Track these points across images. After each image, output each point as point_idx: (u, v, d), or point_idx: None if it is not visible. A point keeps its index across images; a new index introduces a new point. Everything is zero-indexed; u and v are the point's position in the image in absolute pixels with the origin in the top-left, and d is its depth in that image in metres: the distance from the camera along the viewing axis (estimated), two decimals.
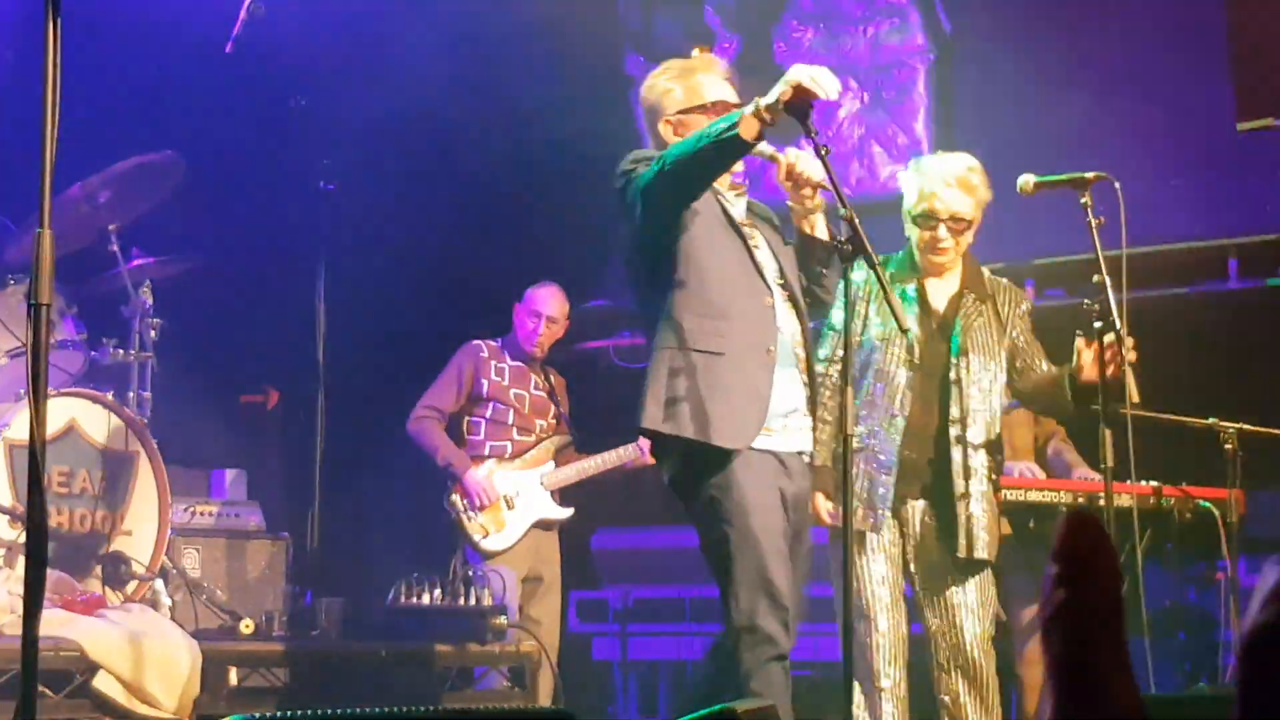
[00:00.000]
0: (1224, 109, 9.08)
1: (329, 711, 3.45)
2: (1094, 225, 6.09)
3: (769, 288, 5.50)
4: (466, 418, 8.53)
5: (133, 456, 7.52)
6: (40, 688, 5.71)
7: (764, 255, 5.59)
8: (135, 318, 7.97)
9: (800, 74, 5.04)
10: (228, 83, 8.96)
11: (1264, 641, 1.76)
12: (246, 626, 7.22)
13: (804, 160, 5.49)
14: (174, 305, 8.24)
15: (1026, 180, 6.33)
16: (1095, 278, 6.03)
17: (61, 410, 7.30)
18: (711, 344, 5.33)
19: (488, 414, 8.50)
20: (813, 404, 5.64)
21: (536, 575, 8.47)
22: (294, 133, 8.39)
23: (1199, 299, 9.29)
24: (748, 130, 5.07)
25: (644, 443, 7.75)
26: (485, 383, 8.50)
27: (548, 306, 8.64)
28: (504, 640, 7.43)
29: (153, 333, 7.98)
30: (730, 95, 5.59)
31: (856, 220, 5.17)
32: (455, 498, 8.31)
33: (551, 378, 8.80)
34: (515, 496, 8.37)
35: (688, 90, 5.61)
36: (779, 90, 5.04)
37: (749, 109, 5.08)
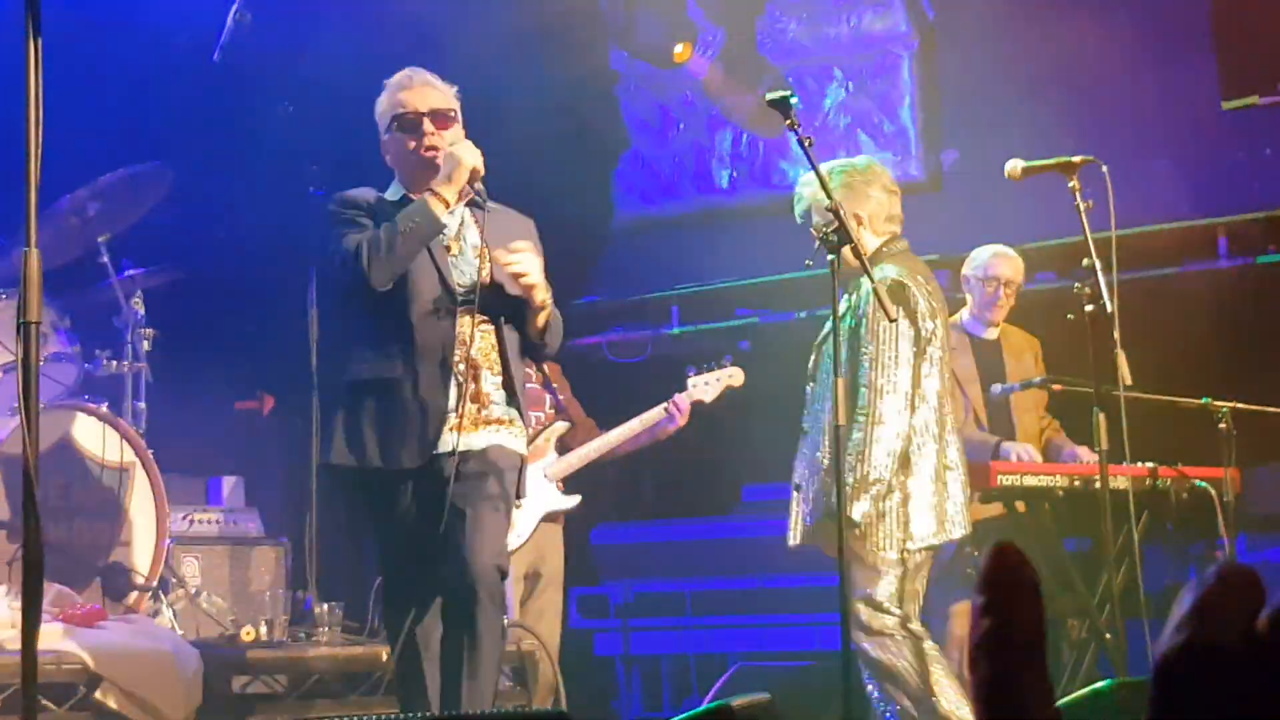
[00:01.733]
0: (1209, 88, 9.09)
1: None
2: (1083, 208, 6.11)
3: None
4: None
5: (129, 467, 7.53)
6: (42, 701, 5.73)
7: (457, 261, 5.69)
8: (128, 328, 7.98)
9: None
10: (214, 91, 8.96)
11: (1176, 666, 1.82)
12: (247, 634, 7.23)
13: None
14: (166, 315, 8.24)
15: (1014, 165, 6.34)
16: (1085, 260, 6.06)
17: (57, 423, 7.30)
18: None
19: None
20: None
21: (535, 571, 8.44)
22: (281, 139, 8.39)
23: (1190, 279, 9.30)
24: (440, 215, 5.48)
25: (678, 404, 7.81)
26: None
27: None
28: (504, 640, 7.43)
29: (146, 343, 7.99)
30: (424, 101, 5.72)
31: (842, 211, 5.19)
32: None
33: (545, 366, 8.75)
34: (521, 496, 8.32)
35: (382, 108, 5.83)
36: (460, 179, 5.45)
37: (434, 194, 5.46)
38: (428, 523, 5.48)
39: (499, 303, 5.58)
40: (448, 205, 5.41)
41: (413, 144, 5.62)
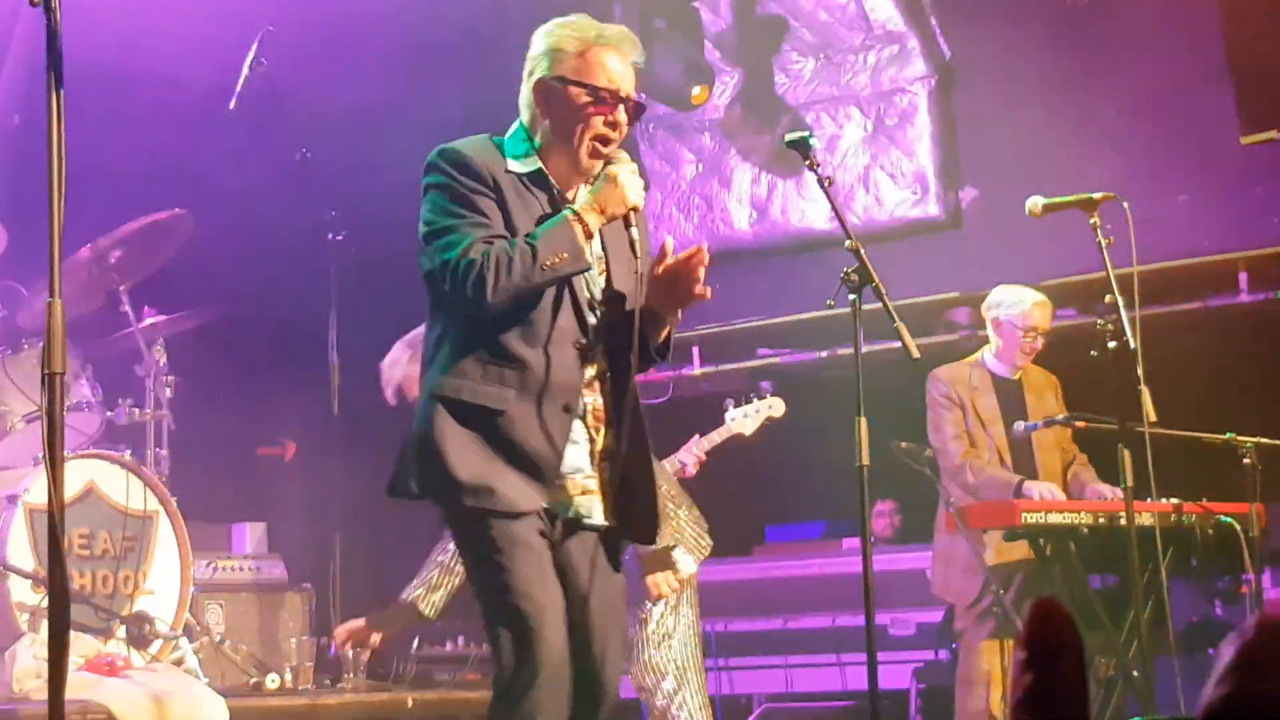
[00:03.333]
0: (1227, 123, 9.08)
1: None
2: (1104, 244, 6.10)
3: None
4: None
5: (152, 515, 7.53)
6: None
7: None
8: (149, 376, 7.99)
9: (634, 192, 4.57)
10: (232, 138, 8.98)
11: (1220, 717, 1.82)
12: (272, 681, 7.22)
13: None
14: (187, 362, 8.26)
15: (1035, 203, 6.34)
16: (1107, 296, 6.04)
17: (80, 472, 7.31)
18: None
19: None
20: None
21: None
22: (301, 185, 8.42)
23: (1211, 313, 9.29)
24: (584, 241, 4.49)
25: (690, 452, 7.66)
26: None
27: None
28: None
29: (168, 390, 8.00)
30: (626, 86, 4.63)
31: (862, 250, 5.17)
32: None
33: None
34: None
35: (580, 59, 4.63)
36: (616, 211, 4.54)
37: (580, 222, 4.48)
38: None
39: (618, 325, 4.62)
40: (590, 238, 4.48)
41: (599, 123, 4.59)
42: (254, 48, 8.02)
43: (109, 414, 7.90)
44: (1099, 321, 6.13)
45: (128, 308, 8.02)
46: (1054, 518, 7.10)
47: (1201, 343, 8.75)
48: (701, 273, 4.60)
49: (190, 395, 8.22)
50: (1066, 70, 9.57)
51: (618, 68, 4.62)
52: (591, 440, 4.57)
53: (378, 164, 9.55)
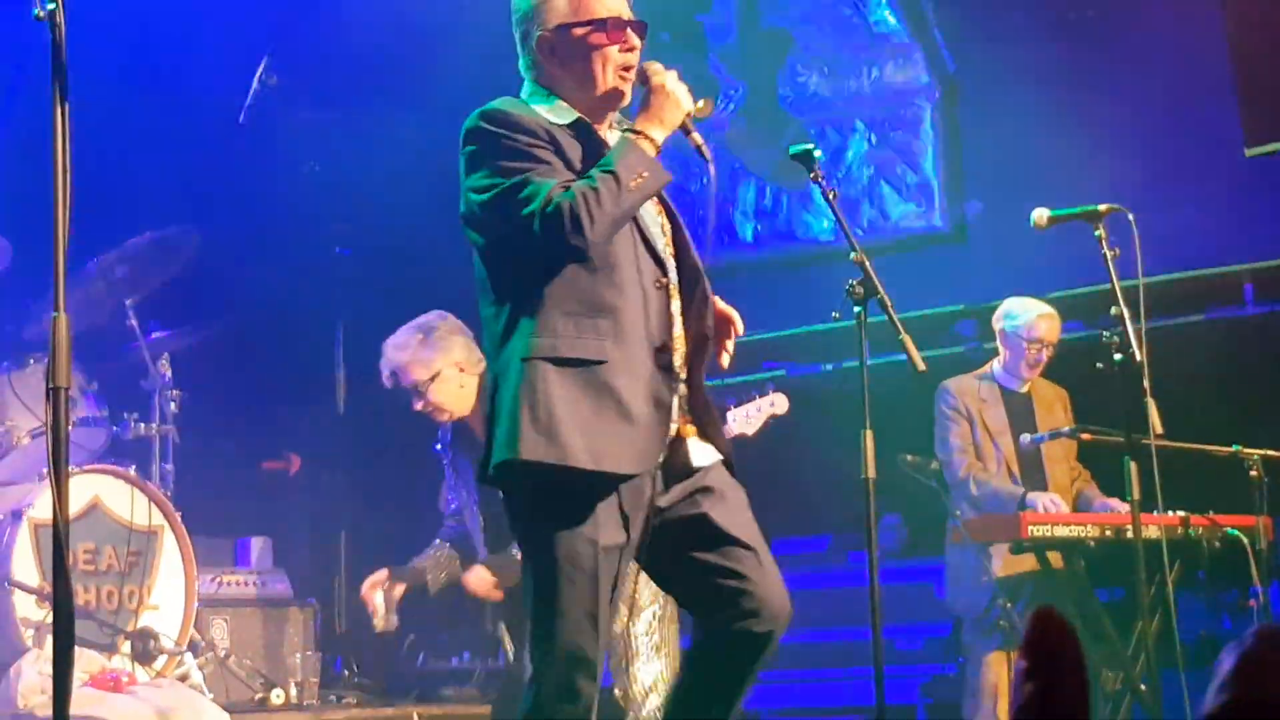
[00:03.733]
0: (1232, 135, 9.07)
1: None
2: (1109, 257, 6.09)
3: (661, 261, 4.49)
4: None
5: (158, 530, 7.53)
6: None
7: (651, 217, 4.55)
8: (155, 391, 7.99)
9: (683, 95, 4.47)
10: (240, 152, 8.99)
11: None
12: (277, 697, 7.21)
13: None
14: (193, 376, 8.26)
15: (1040, 214, 6.33)
16: (1113, 309, 6.03)
17: (85, 487, 7.31)
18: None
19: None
20: None
21: None
22: (307, 199, 8.42)
23: (1217, 326, 9.28)
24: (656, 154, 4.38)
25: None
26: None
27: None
28: None
29: (173, 405, 8.00)
30: (625, 10, 4.51)
31: (867, 263, 5.16)
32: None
33: None
34: None
35: (570, 3, 4.47)
36: (673, 120, 4.44)
37: (646, 138, 4.37)
38: (657, 547, 4.40)
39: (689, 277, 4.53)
40: (658, 152, 4.35)
41: (617, 53, 4.45)
42: (263, 62, 8.02)
43: (114, 429, 7.91)
44: (1104, 334, 6.11)
45: (134, 322, 8.02)
46: (1060, 530, 7.10)
47: (1207, 355, 8.73)
48: (730, 344, 4.59)
49: (195, 410, 8.22)
50: (1071, 82, 9.57)
51: None
52: (678, 381, 4.42)
53: (384, 178, 9.57)
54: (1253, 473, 7.08)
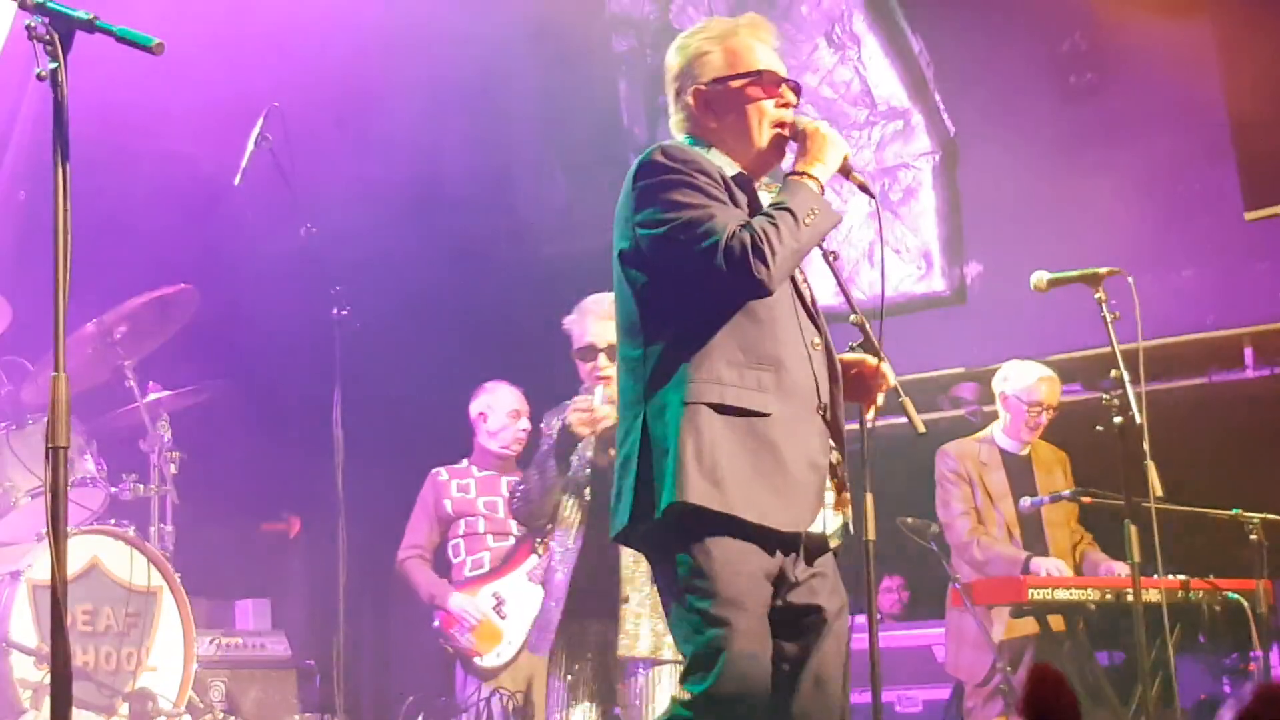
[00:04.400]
0: (1231, 199, 9.10)
1: None
2: (1109, 319, 6.10)
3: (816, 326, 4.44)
4: (448, 543, 8.42)
5: (156, 591, 7.51)
6: None
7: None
8: (154, 451, 7.98)
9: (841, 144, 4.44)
10: (238, 213, 9.01)
11: None
12: None
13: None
14: (192, 437, 8.25)
15: (1040, 278, 6.34)
16: (1113, 371, 6.03)
17: (83, 548, 7.29)
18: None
19: (460, 531, 8.34)
20: None
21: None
22: (305, 260, 8.42)
23: (1217, 389, 9.28)
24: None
25: None
26: (449, 503, 8.36)
27: (506, 402, 8.55)
28: None
29: (172, 466, 7.99)
30: (780, 65, 4.53)
31: (867, 325, 5.16)
32: (446, 630, 8.12)
33: None
34: (503, 605, 8.11)
35: (728, 54, 4.49)
36: (834, 162, 4.41)
37: (811, 178, 4.34)
38: (784, 619, 4.27)
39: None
40: (822, 192, 4.33)
41: (773, 108, 4.45)
42: (259, 123, 8.03)
43: (113, 489, 7.89)
44: (1105, 396, 6.12)
45: (132, 383, 8.02)
46: (1061, 594, 7.09)
47: (1207, 418, 8.74)
48: (879, 397, 4.59)
49: (194, 470, 8.20)
50: (1070, 146, 9.60)
51: (765, 50, 4.51)
52: (831, 447, 4.36)
53: (382, 240, 9.59)
54: (1253, 536, 7.07)
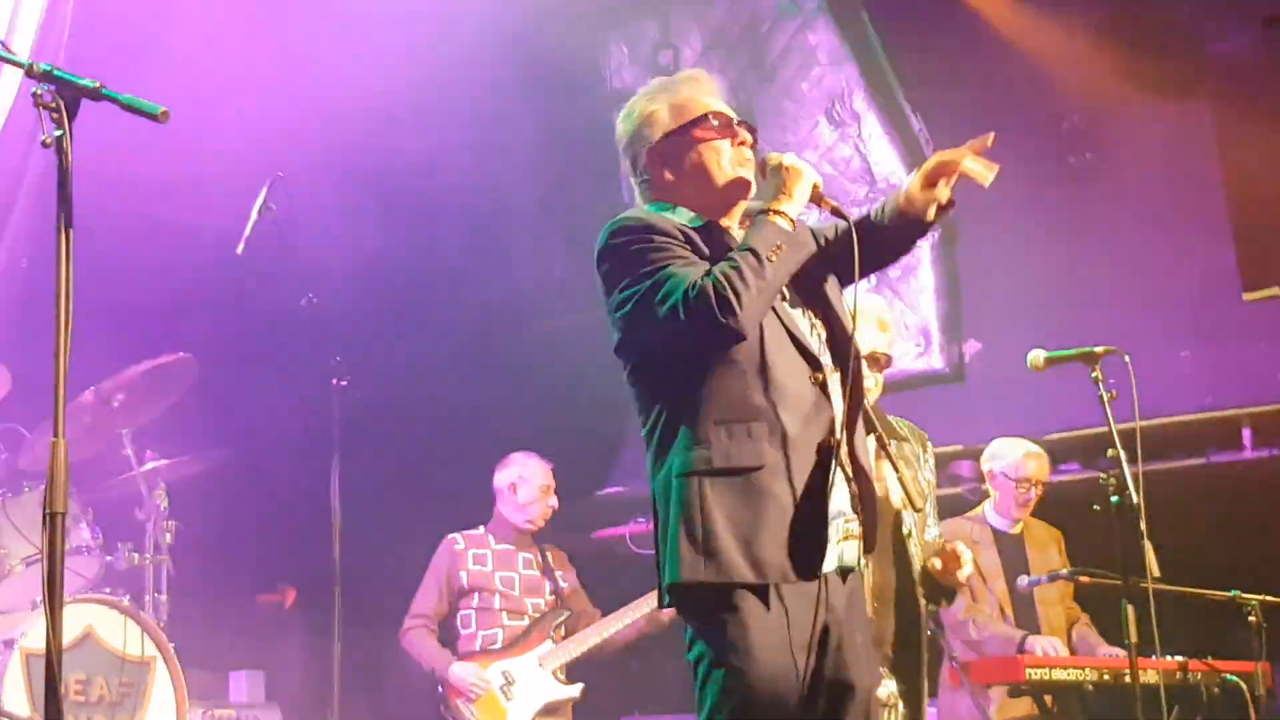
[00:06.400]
0: (1229, 279, 9.11)
1: None
2: (1106, 399, 6.10)
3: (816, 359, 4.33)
4: (458, 613, 8.39)
5: (150, 661, 7.49)
6: None
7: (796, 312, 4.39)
8: (150, 520, 7.97)
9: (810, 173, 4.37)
10: (239, 283, 9.02)
11: None
12: None
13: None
14: (189, 506, 8.24)
15: (1037, 356, 6.34)
16: (1110, 451, 6.03)
17: (78, 617, 7.28)
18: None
19: (474, 604, 8.31)
20: None
21: None
22: (305, 331, 8.43)
23: (1215, 470, 9.27)
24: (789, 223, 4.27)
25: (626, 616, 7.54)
26: (464, 574, 8.34)
27: (543, 477, 8.53)
28: None
29: (168, 535, 7.97)
30: (726, 109, 4.49)
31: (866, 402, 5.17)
32: (450, 700, 8.10)
33: (549, 553, 8.62)
34: (512, 685, 8.09)
35: (674, 108, 4.48)
36: (803, 194, 4.33)
37: (778, 214, 4.26)
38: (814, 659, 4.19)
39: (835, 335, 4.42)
40: (793, 226, 4.26)
41: (729, 146, 4.42)
42: (263, 193, 8.06)
43: (108, 558, 7.87)
44: (1102, 476, 6.11)
45: (130, 451, 8.02)
46: (1059, 673, 7.06)
47: (1205, 499, 8.73)
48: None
49: (190, 540, 8.19)
50: (1069, 225, 9.62)
51: (709, 97, 4.48)
52: (848, 479, 4.26)
53: (382, 311, 9.60)
54: (1251, 618, 7.05)
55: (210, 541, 8.68)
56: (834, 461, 4.18)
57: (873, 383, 5.59)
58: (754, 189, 4.46)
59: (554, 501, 8.52)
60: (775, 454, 4.13)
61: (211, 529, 8.71)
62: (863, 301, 4.77)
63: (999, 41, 9.96)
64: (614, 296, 4.26)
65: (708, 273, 4.10)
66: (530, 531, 8.50)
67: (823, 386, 4.24)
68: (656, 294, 4.13)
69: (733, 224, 4.45)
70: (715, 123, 4.41)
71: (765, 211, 4.27)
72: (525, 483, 8.50)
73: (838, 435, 4.21)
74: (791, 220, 4.26)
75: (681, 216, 4.36)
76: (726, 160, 4.40)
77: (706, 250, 4.26)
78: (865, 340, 5.55)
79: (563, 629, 8.33)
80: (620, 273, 4.25)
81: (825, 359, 4.30)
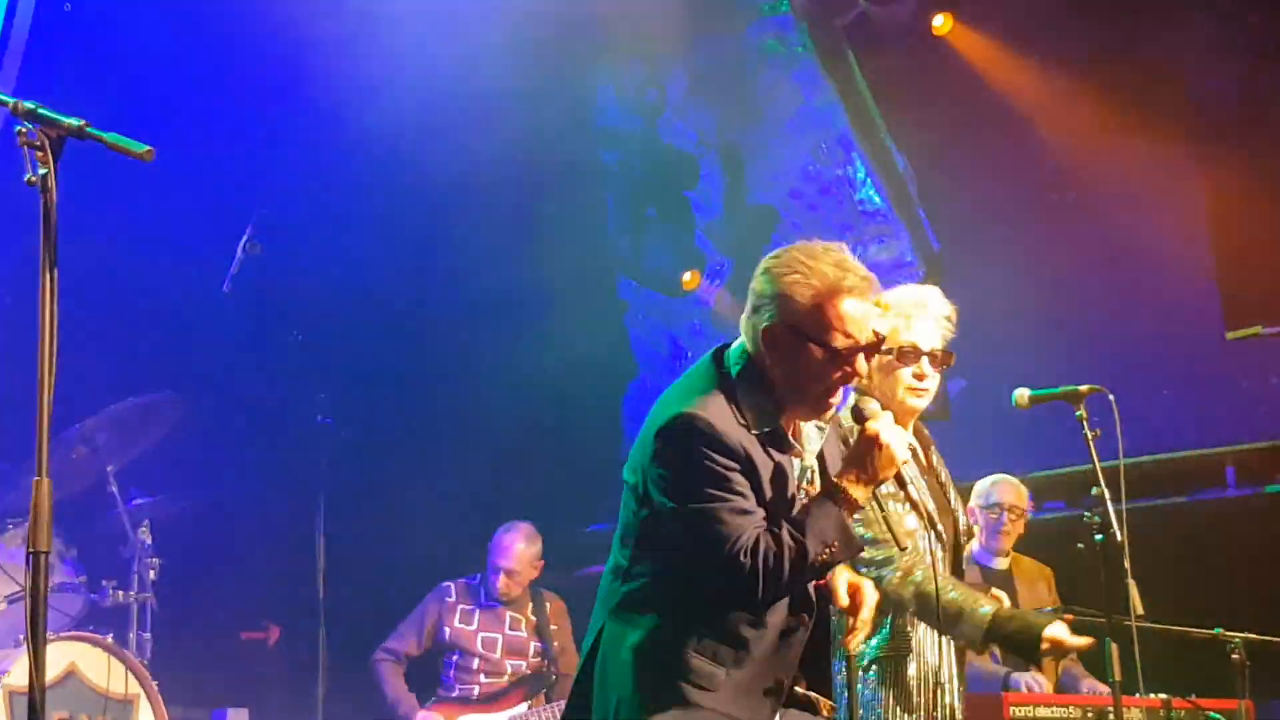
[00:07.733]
0: (1213, 318, 9.15)
1: None
2: (1090, 437, 6.10)
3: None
4: (439, 658, 8.41)
5: (133, 699, 7.46)
6: None
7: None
8: (135, 558, 7.95)
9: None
10: (224, 320, 9.02)
11: None
12: None
13: None
14: (173, 543, 8.22)
15: (1021, 394, 6.33)
16: (1094, 489, 6.02)
17: (62, 654, 7.25)
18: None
19: (454, 659, 8.36)
20: None
21: None
22: (291, 368, 8.43)
23: (1199, 508, 9.28)
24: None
25: None
26: (447, 630, 8.37)
27: (505, 559, 8.47)
28: None
29: (152, 572, 7.95)
30: (864, 331, 4.27)
31: (851, 440, 5.17)
32: None
33: (547, 605, 8.60)
34: None
35: (815, 311, 4.26)
36: (885, 477, 4.28)
37: (850, 502, 4.20)
38: None
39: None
40: (858, 510, 4.22)
41: (834, 378, 4.24)
42: (248, 231, 8.07)
43: (92, 596, 7.86)
44: (1085, 514, 6.10)
45: (115, 489, 8.00)
46: (1043, 712, 7.04)
47: (1189, 537, 8.74)
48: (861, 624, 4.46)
49: (175, 578, 8.17)
50: (1054, 263, 9.65)
51: (856, 315, 4.27)
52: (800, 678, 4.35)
53: (368, 350, 9.60)
54: (1234, 655, 7.04)
55: (194, 579, 8.67)
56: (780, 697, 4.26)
57: (935, 382, 5.65)
58: (831, 415, 4.41)
59: (540, 562, 8.55)
60: (729, 681, 4.16)
61: (196, 566, 8.70)
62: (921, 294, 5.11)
63: (983, 81, 10.01)
64: (664, 480, 4.18)
65: (756, 540, 4.07)
66: (503, 601, 8.48)
67: (805, 627, 4.29)
68: (708, 526, 4.08)
69: (794, 426, 4.38)
70: (839, 360, 4.21)
71: (839, 488, 4.20)
72: (520, 562, 8.49)
73: (792, 670, 4.28)
74: (857, 507, 4.20)
75: (758, 416, 4.22)
76: (823, 388, 4.26)
77: (763, 468, 4.19)
78: (930, 337, 5.56)
79: (544, 696, 8.35)
80: (678, 471, 4.16)
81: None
